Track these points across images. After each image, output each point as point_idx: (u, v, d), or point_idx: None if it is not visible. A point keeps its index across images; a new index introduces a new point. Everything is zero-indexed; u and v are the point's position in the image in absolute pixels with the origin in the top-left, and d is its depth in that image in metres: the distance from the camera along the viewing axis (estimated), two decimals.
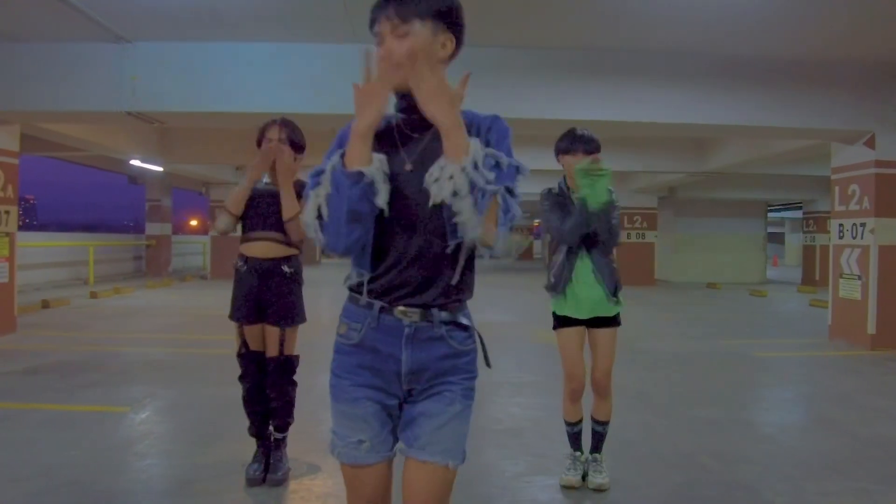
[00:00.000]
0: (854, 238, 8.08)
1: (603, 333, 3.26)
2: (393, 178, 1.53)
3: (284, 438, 3.44)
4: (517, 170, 1.52)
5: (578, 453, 3.39)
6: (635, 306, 13.42)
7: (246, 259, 3.32)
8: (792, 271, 25.11)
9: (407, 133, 1.60)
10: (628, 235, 17.62)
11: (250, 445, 3.47)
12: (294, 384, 3.41)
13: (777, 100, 7.64)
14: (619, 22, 6.64)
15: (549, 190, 3.33)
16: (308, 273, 3.66)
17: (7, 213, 8.01)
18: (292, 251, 3.36)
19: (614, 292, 3.21)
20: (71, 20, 6.54)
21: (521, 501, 3.27)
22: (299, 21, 6.71)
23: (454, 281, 1.57)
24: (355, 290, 1.62)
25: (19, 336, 7.92)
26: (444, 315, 1.58)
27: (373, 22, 1.58)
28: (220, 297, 14.00)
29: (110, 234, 25.49)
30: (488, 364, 1.71)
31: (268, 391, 3.34)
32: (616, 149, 12.26)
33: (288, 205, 3.23)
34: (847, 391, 5.82)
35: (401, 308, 1.56)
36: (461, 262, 1.56)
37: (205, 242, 24.00)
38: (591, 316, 3.23)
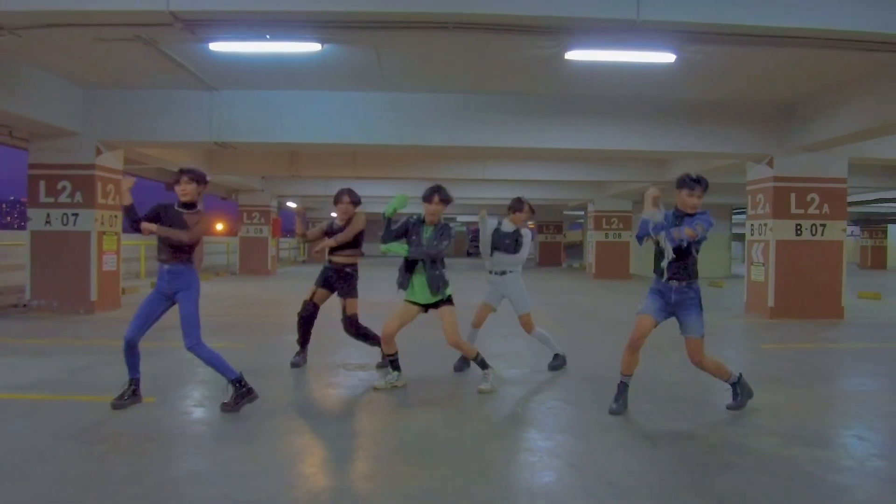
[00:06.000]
0: (761, 234, 10.59)
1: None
2: None
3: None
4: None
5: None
6: (607, 293, 16.01)
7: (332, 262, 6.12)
8: None
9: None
10: (605, 235, 20.24)
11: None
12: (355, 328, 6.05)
13: (704, 132, 10.13)
14: (586, 75, 8.75)
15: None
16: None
17: (115, 216, 10.52)
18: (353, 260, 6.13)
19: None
20: (173, 73, 8.94)
21: None
22: (344, 75, 9.09)
23: None
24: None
25: (125, 311, 10.38)
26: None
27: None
28: (255, 287, 16.47)
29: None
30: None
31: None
32: (592, 163, 15.03)
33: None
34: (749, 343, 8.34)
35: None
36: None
37: (228, 243, 26.53)
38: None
